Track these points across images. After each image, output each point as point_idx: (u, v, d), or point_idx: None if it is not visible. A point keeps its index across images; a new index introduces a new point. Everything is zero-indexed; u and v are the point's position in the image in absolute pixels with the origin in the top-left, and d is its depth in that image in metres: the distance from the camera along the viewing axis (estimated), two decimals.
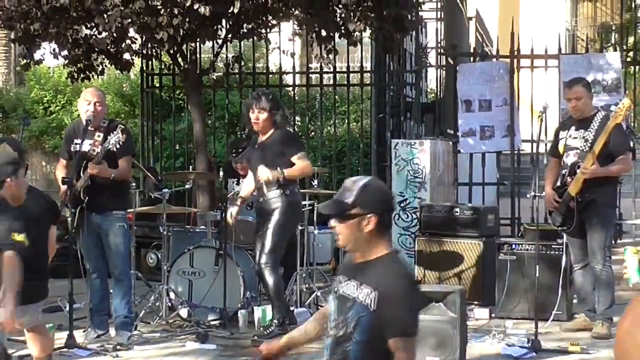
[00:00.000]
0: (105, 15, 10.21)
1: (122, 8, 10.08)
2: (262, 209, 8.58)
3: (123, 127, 8.43)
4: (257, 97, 8.66)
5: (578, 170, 8.50)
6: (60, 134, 16.65)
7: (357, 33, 10.86)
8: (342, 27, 10.91)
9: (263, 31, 11.43)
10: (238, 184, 10.06)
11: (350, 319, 4.15)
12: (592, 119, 8.66)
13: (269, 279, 8.39)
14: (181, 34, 10.41)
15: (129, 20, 10.12)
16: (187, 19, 10.16)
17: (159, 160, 14.58)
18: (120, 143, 8.20)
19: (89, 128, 8.38)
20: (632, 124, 13.11)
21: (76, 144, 8.45)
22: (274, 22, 11.47)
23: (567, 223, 8.68)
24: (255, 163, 8.55)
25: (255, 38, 11.71)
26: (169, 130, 15.12)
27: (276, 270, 8.45)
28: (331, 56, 11.49)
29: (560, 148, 8.77)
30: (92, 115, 8.38)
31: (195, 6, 9.95)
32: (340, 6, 10.62)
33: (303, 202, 9.95)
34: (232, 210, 8.84)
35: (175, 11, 10.04)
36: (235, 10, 10.14)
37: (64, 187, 8.22)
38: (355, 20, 10.51)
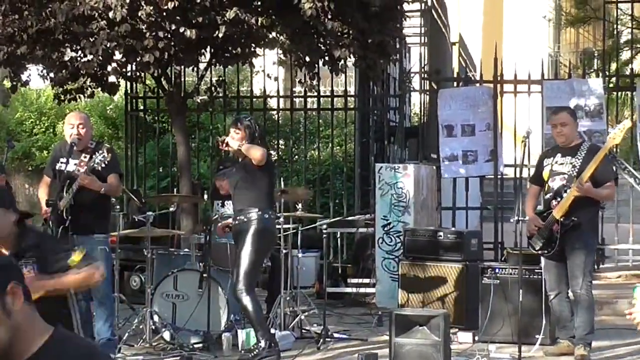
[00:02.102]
0: (91, 39, 10.24)
1: (109, 31, 10.11)
2: (237, 230, 8.60)
3: (108, 146, 8.47)
4: (233, 121, 8.87)
5: (565, 194, 8.53)
6: (48, 150, 16.68)
7: (341, 61, 10.92)
8: (326, 54, 10.95)
9: (247, 56, 11.46)
10: (223, 205, 10.07)
11: None
12: (579, 147, 8.72)
13: (247, 305, 8.36)
14: (166, 57, 10.44)
15: (115, 43, 10.14)
16: (173, 43, 10.20)
17: (143, 183, 14.58)
18: (106, 162, 8.20)
19: (75, 149, 8.40)
20: (614, 149, 13.16)
21: (62, 162, 8.46)
22: (259, 48, 11.49)
23: (547, 247, 8.70)
24: (234, 182, 8.62)
25: (239, 63, 11.75)
26: (152, 153, 15.13)
27: (252, 294, 8.42)
28: (315, 82, 11.53)
29: (546, 174, 8.79)
30: (77, 138, 8.40)
31: (181, 30, 9.98)
32: (324, 33, 10.66)
33: (287, 226, 9.98)
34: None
35: (161, 34, 10.08)
36: (220, 35, 10.18)
37: (47, 208, 8.23)
38: (340, 47, 10.55)
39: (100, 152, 8.23)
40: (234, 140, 8.49)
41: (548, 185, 8.76)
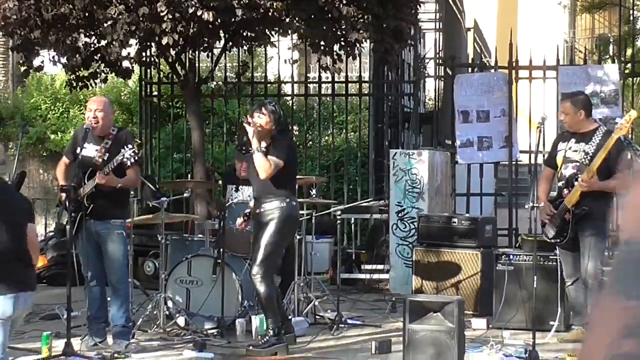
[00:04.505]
0: (110, 23, 10.19)
1: (127, 15, 10.06)
2: (259, 220, 8.53)
3: (139, 142, 8.44)
4: (258, 105, 8.81)
5: (576, 183, 8.50)
6: (60, 134, 16.71)
7: (357, 45, 10.88)
8: (342, 39, 10.92)
9: (264, 39, 11.41)
10: (237, 190, 10.05)
11: None
12: (593, 133, 8.65)
13: (260, 290, 8.35)
14: (181, 42, 10.41)
15: (135, 26, 10.09)
16: (191, 25, 10.15)
17: (157, 169, 14.58)
18: (136, 158, 8.20)
19: (94, 134, 8.39)
20: (630, 135, 13.10)
21: (82, 147, 8.43)
22: (274, 33, 11.44)
23: (560, 235, 8.67)
24: (253, 169, 8.53)
25: (255, 46, 11.72)
26: (166, 139, 15.13)
27: (267, 280, 8.38)
28: (337, 65, 11.49)
29: (559, 160, 8.75)
30: (91, 124, 8.38)
31: (199, 13, 9.93)
32: (339, 18, 10.62)
33: (301, 212, 9.96)
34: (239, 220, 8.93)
35: (179, 17, 10.03)
36: (237, 19, 10.15)
37: (62, 192, 8.27)
38: (357, 30, 10.52)
39: (131, 146, 8.20)
40: (254, 126, 8.36)
41: (561, 172, 8.73)
